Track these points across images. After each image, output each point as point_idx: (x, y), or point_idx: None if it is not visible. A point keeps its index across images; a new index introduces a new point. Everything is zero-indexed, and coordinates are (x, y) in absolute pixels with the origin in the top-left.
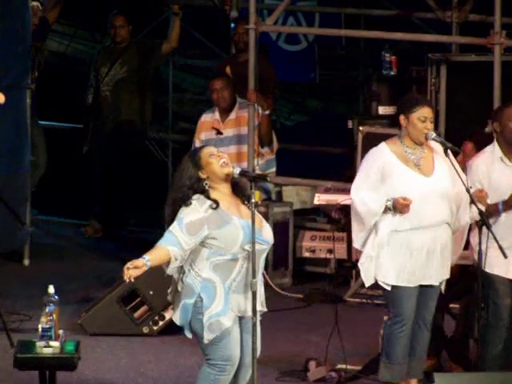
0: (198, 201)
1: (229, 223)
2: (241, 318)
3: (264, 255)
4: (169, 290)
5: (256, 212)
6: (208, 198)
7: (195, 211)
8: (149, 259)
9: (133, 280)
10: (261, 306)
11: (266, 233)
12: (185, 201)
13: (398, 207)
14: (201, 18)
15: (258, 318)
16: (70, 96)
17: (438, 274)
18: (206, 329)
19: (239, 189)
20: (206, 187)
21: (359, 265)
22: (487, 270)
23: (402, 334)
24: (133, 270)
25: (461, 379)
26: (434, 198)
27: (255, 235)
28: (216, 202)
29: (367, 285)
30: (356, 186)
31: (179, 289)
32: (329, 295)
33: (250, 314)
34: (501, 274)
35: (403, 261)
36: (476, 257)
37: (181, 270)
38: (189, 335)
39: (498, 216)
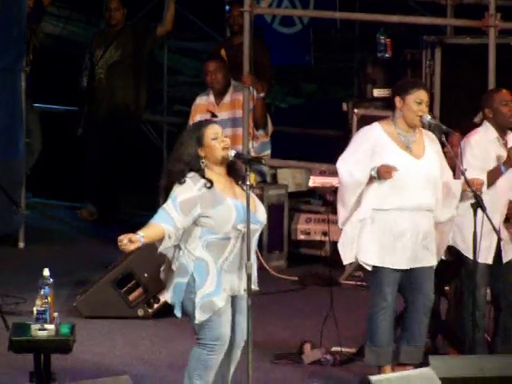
0: (191, 179)
1: (222, 203)
2: (233, 298)
3: (257, 235)
4: (161, 269)
5: (251, 193)
6: (203, 177)
7: (189, 189)
8: (143, 235)
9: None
10: (253, 286)
11: (260, 214)
12: (180, 177)
13: (382, 173)
14: (196, 1)
15: (245, 296)
16: (65, 79)
17: (422, 259)
18: (198, 309)
19: (234, 171)
20: (203, 166)
21: (338, 243)
22: (469, 255)
23: (382, 318)
24: (127, 243)
25: (456, 362)
26: (421, 181)
27: (245, 217)
28: (210, 181)
29: (345, 263)
30: (343, 158)
31: (173, 268)
32: (324, 278)
33: (242, 293)
34: (482, 261)
35: (387, 242)
36: (457, 240)
37: (175, 249)
38: (178, 314)
39: (498, 178)
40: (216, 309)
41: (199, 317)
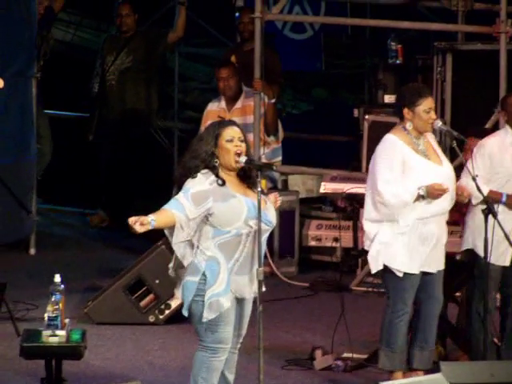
0: (204, 174)
1: (233, 198)
2: (239, 301)
3: (266, 235)
4: (170, 265)
5: (263, 196)
6: (216, 175)
7: (201, 183)
8: (154, 219)
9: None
10: (256, 289)
11: (271, 215)
12: (193, 172)
13: (435, 193)
14: (206, 7)
15: (251, 299)
16: (75, 85)
17: (439, 262)
18: (207, 307)
19: (249, 177)
20: (217, 164)
21: (370, 252)
22: (490, 260)
23: (403, 323)
24: (139, 225)
25: (467, 368)
26: (449, 185)
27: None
28: (223, 180)
29: (374, 271)
30: (383, 179)
31: (185, 265)
32: (335, 284)
33: (249, 296)
34: (499, 263)
35: (416, 248)
36: (476, 242)
37: (185, 246)
38: (185, 313)
39: (497, 205)
40: (222, 310)
41: (206, 315)
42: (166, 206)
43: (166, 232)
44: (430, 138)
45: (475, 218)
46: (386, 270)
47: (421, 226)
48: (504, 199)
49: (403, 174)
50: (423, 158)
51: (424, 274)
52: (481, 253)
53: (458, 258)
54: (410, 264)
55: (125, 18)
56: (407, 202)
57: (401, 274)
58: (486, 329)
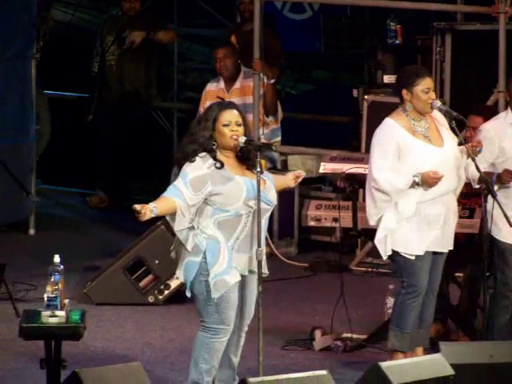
0: (202, 158)
1: (232, 180)
2: (242, 279)
3: (267, 215)
4: (171, 247)
5: (263, 176)
6: (214, 158)
7: (199, 167)
8: (156, 207)
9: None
10: (263, 269)
11: (271, 195)
12: (192, 156)
13: (430, 181)
14: None
15: (255, 277)
16: (75, 65)
17: (449, 242)
18: (212, 287)
19: (248, 159)
20: (214, 147)
21: (377, 237)
22: (498, 237)
23: (415, 304)
24: (143, 215)
25: (466, 348)
26: (448, 167)
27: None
28: (221, 162)
29: (384, 257)
30: (377, 166)
31: (188, 248)
32: (334, 264)
33: (245, 273)
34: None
35: (424, 231)
36: (491, 225)
37: (188, 230)
38: (188, 294)
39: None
40: (229, 286)
41: (214, 294)
42: (166, 194)
43: (168, 218)
44: (437, 119)
45: (489, 203)
46: (397, 254)
47: (426, 209)
48: (494, 178)
49: (399, 159)
50: (421, 141)
51: (435, 253)
52: (494, 234)
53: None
54: (419, 246)
55: (132, 2)
56: (401, 189)
57: (412, 258)
58: (507, 309)
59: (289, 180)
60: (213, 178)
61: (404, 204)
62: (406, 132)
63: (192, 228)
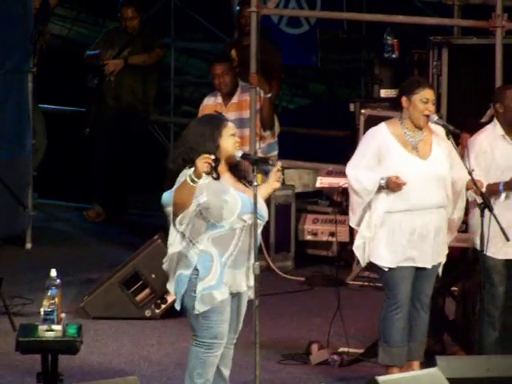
0: None
1: (227, 193)
2: (235, 295)
3: (259, 231)
4: (164, 260)
5: (249, 188)
6: (215, 168)
7: None
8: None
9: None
10: (251, 282)
11: (264, 209)
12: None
13: (391, 186)
14: (202, 1)
15: (247, 293)
16: (71, 80)
17: (431, 258)
18: (199, 299)
19: (238, 171)
20: (220, 157)
21: (354, 247)
22: (486, 253)
23: (397, 317)
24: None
25: (463, 362)
26: (429, 181)
27: (251, 207)
28: (218, 174)
29: (363, 265)
30: (352, 163)
31: (168, 252)
32: (331, 278)
33: (244, 289)
34: (498, 257)
35: (397, 242)
36: (476, 240)
37: (178, 235)
38: (177, 307)
39: (498, 196)
40: (215, 302)
41: (199, 307)
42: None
43: (168, 210)
44: (436, 134)
45: (473, 217)
46: (375, 264)
47: (396, 220)
48: (502, 187)
49: (379, 163)
50: (404, 150)
51: (421, 268)
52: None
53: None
54: (393, 258)
55: (129, 21)
56: (368, 190)
57: (385, 269)
58: (492, 324)
59: (272, 182)
60: (208, 188)
61: (373, 210)
62: (393, 138)
63: (182, 235)
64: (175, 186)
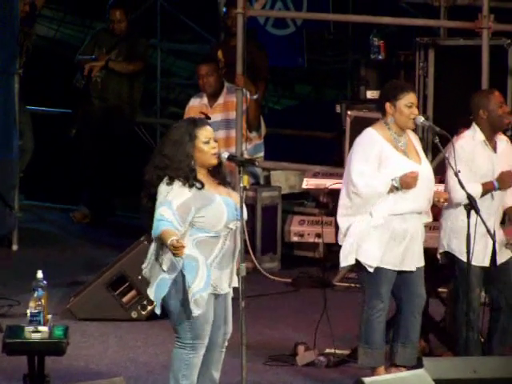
0: (180, 181)
1: (213, 201)
2: (220, 296)
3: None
4: (143, 266)
5: (231, 190)
6: (194, 178)
7: (181, 192)
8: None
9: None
10: (235, 283)
11: (244, 209)
12: (171, 177)
13: (408, 181)
14: (189, 3)
15: (231, 293)
16: (58, 81)
17: (417, 260)
18: (193, 304)
19: (218, 173)
20: (194, 166)
21: (343, 247)
22: (463, 258)
23: (379, 319)
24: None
25: (450, 364)
26: (425, 184)
27: (236, 212)
28: (201, 182)
29: (343, 265)
30: (358, 171)
31: (163, 266)
32: (317, 280)
33: (226, 291)
34: (477, 264)
35: (388, 244)
36: (444, 242)
37: (160, 246)
38: (158, 311)
39: (491, 191)
40: (205, 303)
41: (195, 311)
42: (165, 227)
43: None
44: (412, 137)
45: (448, 220)
46: (361, 266)
47: (394, 223)
48: (496, 183)
49: (379, 167)
50: (401, 155)
51: (403, 272)
52: (457, 254)
53: (439, 258)
54: (381, 258)
55: (117, 23)
56: (381, 193)
57: (371, 270)
58: (471, 326)
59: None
60: (195, 201)
61: (378, 212)
62: (387, 143)
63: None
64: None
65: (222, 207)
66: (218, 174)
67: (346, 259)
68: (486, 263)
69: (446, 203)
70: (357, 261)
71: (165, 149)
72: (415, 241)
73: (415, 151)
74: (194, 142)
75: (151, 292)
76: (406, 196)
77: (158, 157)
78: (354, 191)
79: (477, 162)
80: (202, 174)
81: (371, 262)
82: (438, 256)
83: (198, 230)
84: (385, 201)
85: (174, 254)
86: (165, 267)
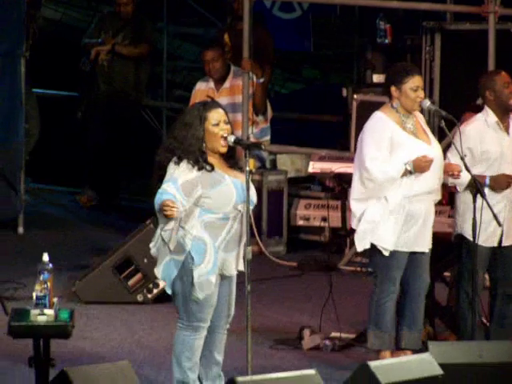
0: (189, 161)
1: (222, 182)
2: (226, 278)
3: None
4: (151, 244)
5: (241, 174)
6: (205, 160)
7: (188, 171)
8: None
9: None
10: (241, 266)
11: (253, 194)
12: (180, 158)
13: (422, 165)
14: None
15: (235, 277)
16: (64, 64)
17: (427, 241)
18: (198, 287)
19: (230, 156)
20: (205, 149)
21: (357, 231)
22: (470, 238)
23: (390, 303)
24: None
25: (455, 348)
26: (435, 165)
27: (244, 196)
28: (211, 165)
29: (360, 249)
30: (371, 157)
31: (168, 244)
32: (323, 263)
33: (233, 273)
34: (486, 245)
35: (403, 226)
36: (458, 223)
37: (166, 223)
38: (169, 291)
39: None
40: (212, 287)
41: (198, 294)
42: (166, 198)
43: (159, 216)
44: (419, 118)
45: (461, 202)
46: (374, 249)
47: (408, 205)
48: (487, 181)
49: (391, 151)
50: (412, 137)
51: (412, 253)
52: (467, 235)
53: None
54: (397, 242)
55: (123, 7)
56: (395, 178)
57: (387, 253)
58: (474, 309)
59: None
60: (203, 181)
61: (393, 195)
62: (397, 126)
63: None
64: (163, 183)
65: (232, 188)
66: (230, 158)
67: (361, 243)
68: (495, 243)
69: (459, 177)
70: (371, 245)
71: (176, 131)
72: (427, 222)
73: (423, 131)
74: (204, 124)
75: (158, 271)
76: (418, 177)
77: (170, 139)
78: (367, 177)
79: (487, 144)
80: (214, 158)
81: (387, 245)
82: (453, 239)
83: (205, 211)
84: (399, 185)
85: (166, 215)
86: (171, 246)
